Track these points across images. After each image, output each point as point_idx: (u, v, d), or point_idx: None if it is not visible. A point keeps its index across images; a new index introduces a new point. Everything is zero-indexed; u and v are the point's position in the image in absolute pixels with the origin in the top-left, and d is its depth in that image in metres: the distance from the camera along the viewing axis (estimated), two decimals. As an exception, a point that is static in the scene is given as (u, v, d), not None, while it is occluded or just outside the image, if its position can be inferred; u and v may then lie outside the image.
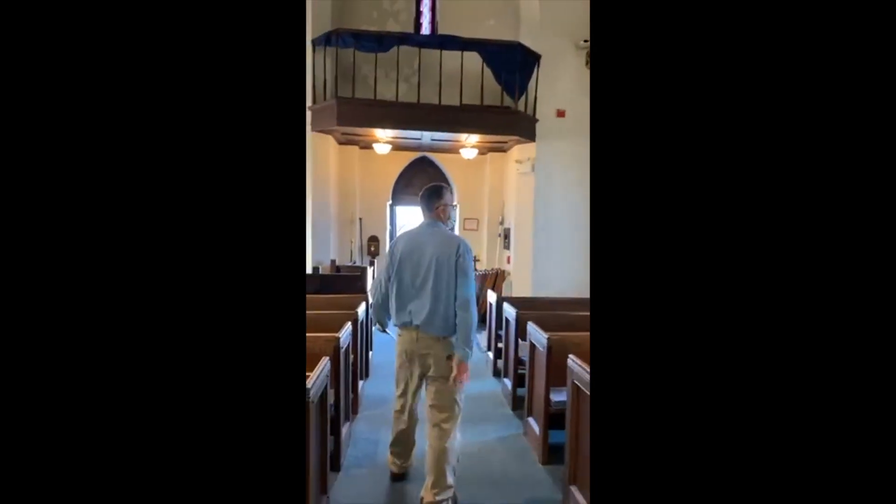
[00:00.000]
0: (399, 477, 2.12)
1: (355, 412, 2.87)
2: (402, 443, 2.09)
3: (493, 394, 3.30)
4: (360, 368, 3.19)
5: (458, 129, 4.77)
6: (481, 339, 4.69)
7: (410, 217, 7.08)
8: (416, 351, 1.88)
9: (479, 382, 3.52)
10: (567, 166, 5.07)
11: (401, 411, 2.02)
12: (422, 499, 1.84)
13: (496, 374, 3.66)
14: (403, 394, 1.99)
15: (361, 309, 3.12)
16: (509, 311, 3.11)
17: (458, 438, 1.89)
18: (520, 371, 2.96)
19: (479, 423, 2.77)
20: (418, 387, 1.97)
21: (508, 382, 3.11)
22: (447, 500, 1.83)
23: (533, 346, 2.53)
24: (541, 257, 5.09)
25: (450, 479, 1.83)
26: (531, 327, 2.53)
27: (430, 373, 1.87)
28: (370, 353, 3.82)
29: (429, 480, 1.83)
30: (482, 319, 5.55)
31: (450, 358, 1.82)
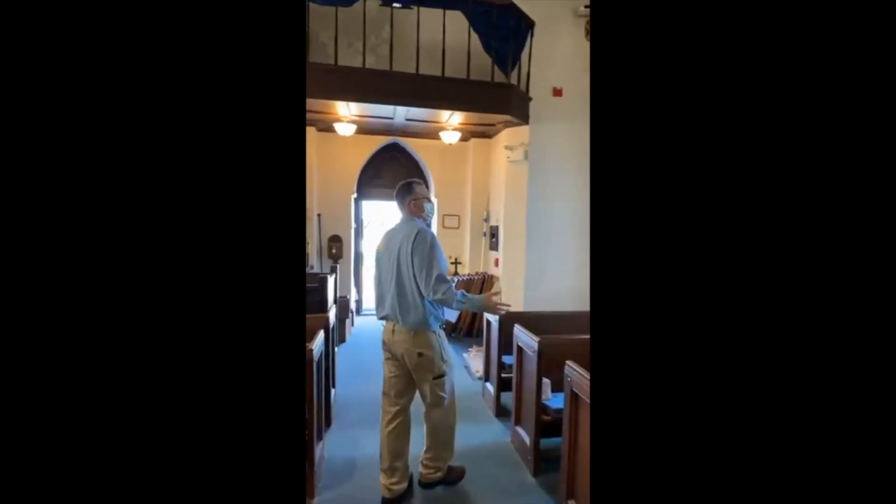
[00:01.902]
0: (391, 502, 1.93)
1: (311, 495, 1.97)
2: (390, 455, 1.93)
3: (502, 448, 2.46)
4: (321, 421, 2.28)
5: (440, 104, 3.91)
6: (472, 360, 3.87)
7: (378, 212, 6.15)
8: (391, 343, 1.91)
9: (478, 427, 2.70)
10: (565, 154, 4.35)
11: (385, 412, 1.97)
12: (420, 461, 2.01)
13: (500, 413, 2.85)
14: (387, 392, 1.97)
15: (320, 340, 2.20)
16: (527, 340, 2.29)
17: (453, 419, 1.99)
18: (544, 419, 2.17)
19: (495, 501, 1.95)
20: (406, 385, 1.94)
21: (525, 434, 2.30)
22: (438, 468, 1.99)
23: (575, 398, 1.74)
24: (535, 260, 4.35)
25: (444, 452, 1.99)
26: (574, 371, 1.74)
27: (409, 366, 1.91)
28: (332, 391, 2.90)
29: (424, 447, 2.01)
30: (468, 333, 4.80)
31: (421, 355, 1.85)
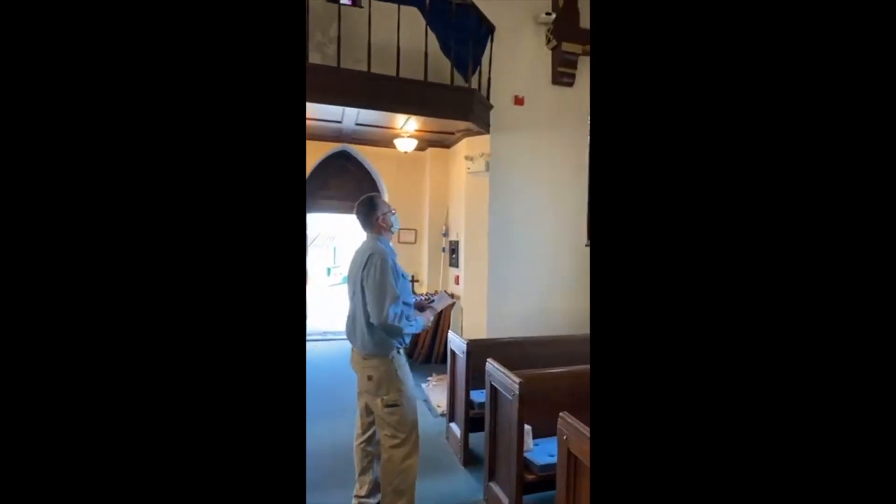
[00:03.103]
0: None
1: None
2: (362, 471, 1.94)
3: (473, 505, 2.07)
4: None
5: (395, 107, 3.54)
6: (432, 392, 3.46)
7: (327, 226, 5.62)
8: (352, 364, 1.88)
9: (443, 479, 2.28)
10: (528, 164, 4.13)
11: (358, 433, 1.96)
12: None
13: (469, 461, 2.45)
14: (359, 409, 1.96)
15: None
16: (503, 380, 1.92)
17: (409, 463, 1.78)
18: (527, 478, 1.81)
19: None
20: (368, 408, 1.89)
21: (503, 494, 1.92)
22: None
23: (573, 460, 1.39)
24: (498, 277, 4.05)
25: (399, 502, 1.80)
26: (570, 426, 1.39)
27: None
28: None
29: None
30: (427, 359, 4.38)
31: (370, 378, 1.78)
